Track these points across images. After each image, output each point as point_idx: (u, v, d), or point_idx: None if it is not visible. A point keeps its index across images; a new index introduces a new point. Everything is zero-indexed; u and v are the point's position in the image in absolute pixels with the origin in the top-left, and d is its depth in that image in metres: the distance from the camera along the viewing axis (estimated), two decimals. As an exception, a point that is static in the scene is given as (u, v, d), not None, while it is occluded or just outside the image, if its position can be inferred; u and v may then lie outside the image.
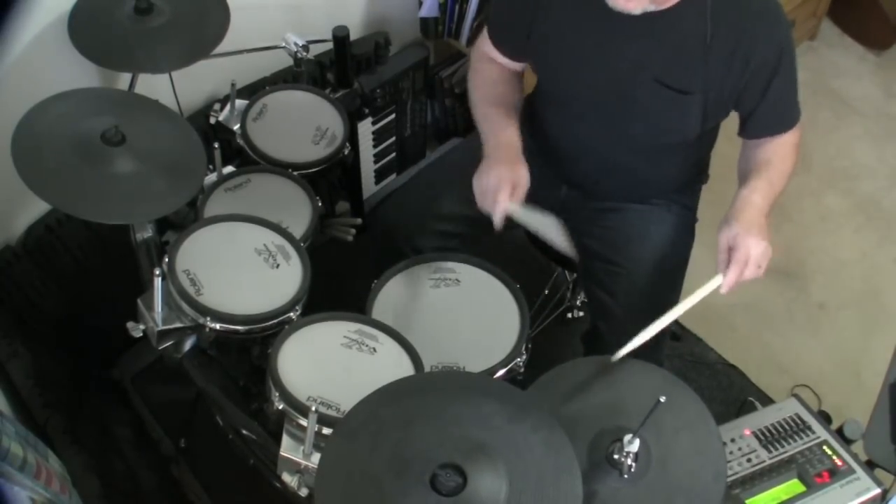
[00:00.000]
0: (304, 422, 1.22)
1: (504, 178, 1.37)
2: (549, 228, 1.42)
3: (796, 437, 1.41)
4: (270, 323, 1.36)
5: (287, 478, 1.25)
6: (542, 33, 1.42)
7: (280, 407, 1.25)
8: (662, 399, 1.08)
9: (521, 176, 1.39)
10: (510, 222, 1.40)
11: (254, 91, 1.76)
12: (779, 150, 1.43)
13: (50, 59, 1.59)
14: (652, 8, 1.26)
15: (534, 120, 1.60)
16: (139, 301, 1.38)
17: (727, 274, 1.29)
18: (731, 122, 1.48)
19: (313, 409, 1.17)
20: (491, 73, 1.56)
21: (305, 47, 1.74)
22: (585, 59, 1.40)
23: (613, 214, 1.59)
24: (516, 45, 1.50)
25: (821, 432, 1.41)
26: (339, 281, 1.57)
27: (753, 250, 1.28)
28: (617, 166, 1.53)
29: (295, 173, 1.61)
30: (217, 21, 1.58)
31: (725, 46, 1.31)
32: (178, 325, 1.35)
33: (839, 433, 1.42)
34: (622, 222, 1.58)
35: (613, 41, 1.36)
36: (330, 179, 1.76)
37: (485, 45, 1.56)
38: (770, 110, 1.40)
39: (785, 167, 1.42)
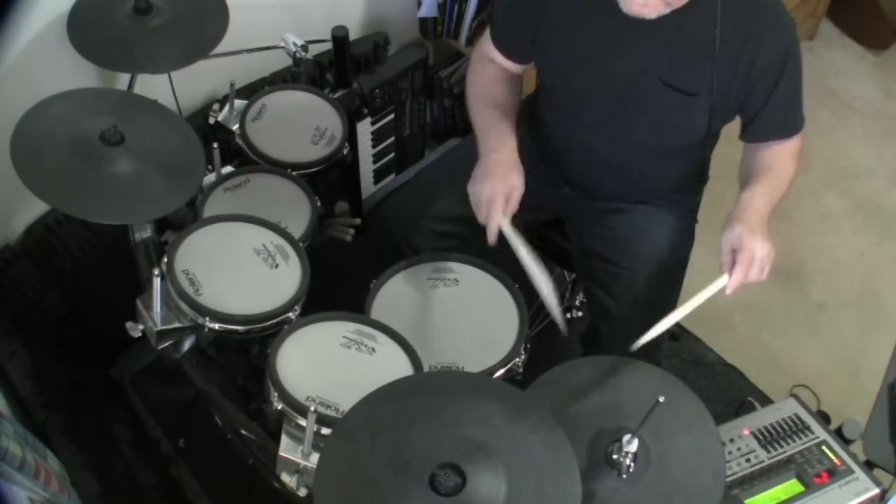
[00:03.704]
0: (302, 422, 1.22)
1: (497, 192, 1.36)
2: (532, 267, 1.39)
3: (795, 438, 1.41)
4: (269, 323, 1.35)
5: (286, 478, 1.25)
6: (547, 35, 1.41)
7: (279, 407, 1.25)
8: (661, 399, 1.08)
9: (515, 186, 1.38)
10: (503, 238, 1.38)
11: (253, 91, 1.76)
12: (779, 157, 1.43)
13: (49, 59, 1.59)
14: (666, 11, 1.25)
15: (536, 119, 1.59)
16: (138, 301, 1.38)
17: (733, 274, 1.28)
18: (731, 123, 1.48)
19: (312, 409, 1.17)
20: (490, 74, 1.56)
21: (304, 47, 1.74)
22: (590, 61, 1.40)
23: (614, 215, 1.59)
24: (520, 48, 1.49)
25: (819, 432, 1.41)
26: (338, 281, 1.57)
27: (758, 252, 1.28)
28: (620, 167, 1.53)
29: (294, 173, 1.61)
30: (216, 21, 1.58)
31: (732, 48, 1.31)
32: (176, 325, 1.35)
33: (838, 433, 1.42)
34: (623, 223, 1.58)
35: (619, 43, 1.36)
36: (329, 179, 1.76)
37: (486, 46, 1.55)
38: (772, 114, 1.39)
39: (786, 174, 1.42)
